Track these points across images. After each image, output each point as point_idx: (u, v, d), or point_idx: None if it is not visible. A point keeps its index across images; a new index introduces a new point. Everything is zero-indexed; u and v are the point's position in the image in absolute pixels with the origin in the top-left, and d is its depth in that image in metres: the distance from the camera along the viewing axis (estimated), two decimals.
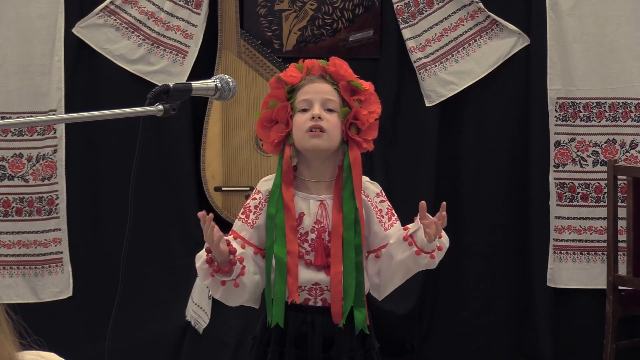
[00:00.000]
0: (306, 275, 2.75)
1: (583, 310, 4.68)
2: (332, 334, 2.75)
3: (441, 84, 4.67)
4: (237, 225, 2.80)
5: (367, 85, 2.82)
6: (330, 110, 2.77)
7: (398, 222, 2.81)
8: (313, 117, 2.74)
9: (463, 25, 4.66)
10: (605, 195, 4.51)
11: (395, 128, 4.73)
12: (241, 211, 2.80)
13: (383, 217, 2.79)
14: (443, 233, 2.75)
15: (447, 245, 2.77)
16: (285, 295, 2.74)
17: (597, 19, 4.59)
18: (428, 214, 2.70)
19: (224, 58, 4.66)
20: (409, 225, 2.74)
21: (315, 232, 2.75)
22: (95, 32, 4.64)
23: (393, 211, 2.83)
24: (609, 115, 4.63)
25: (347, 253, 2.73)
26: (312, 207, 2.76)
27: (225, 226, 4.62)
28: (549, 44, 4.61)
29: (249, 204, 2.80)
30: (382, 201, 2.82)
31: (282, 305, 2.74)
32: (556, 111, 4.64)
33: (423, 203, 2.69)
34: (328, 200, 2.76)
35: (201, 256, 2.70)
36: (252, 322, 3.97)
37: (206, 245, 2.67)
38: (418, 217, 2.71)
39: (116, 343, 4.15)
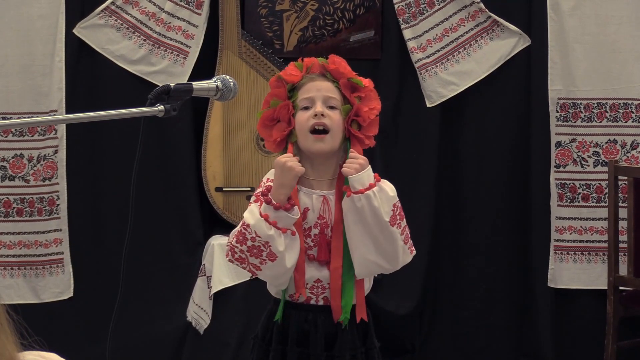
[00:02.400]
0: (309, 271, 2.75)
1: (584, 310, 4.68)
2: (334, 332, 2.76)
3: (442, 84, 4.67)
4: (252, 210, 2.73)
5: (367, 82, 2.83)
6: (332, 108, 2.78)
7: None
8: (316, 115, 2.75)
9: (464, 25, 4.66)
10: (606, 195, 4.51)
11: (396, 128, 4.73)
12: (253, 199, 2.77)
13: None
14: (387, 182, 2.74)
15: (391, 194, 2.71)
16: (288, 292, 2.76)
17: (598, 19, 4.59)
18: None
19: (224, 58, 4.66)
20: None
21: (318, 228, 2.76)
22: (96, 33, 4.64)
23: None
24: (610, 115, 4.63)
25: (348, 248, 2.74)
26: (316, 202, 2.77)
27: (226, 226, 4.64)
28: (549, 45, 4.61)
29: (263, 191, 2.78)
30: None
31: (285, 301, 2.76)
32: (557, 111, 4.64)
33: (351, 149, 2.74)
34: (330, 195, 2.78)
35: (251, 215, 2.67)
36: (253, 321, 3.98)
37: (260, 192, 2.68)
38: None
39: (117, 343, 4.16)
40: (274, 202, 2.65)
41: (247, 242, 2.67)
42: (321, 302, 2.77)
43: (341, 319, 2.75)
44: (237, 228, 2.71)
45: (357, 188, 2.68)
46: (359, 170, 2.69)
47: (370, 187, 2.69)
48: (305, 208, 2.77)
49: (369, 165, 2.73)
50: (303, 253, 2.74)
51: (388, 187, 2.74)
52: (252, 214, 2.68)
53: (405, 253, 2.77)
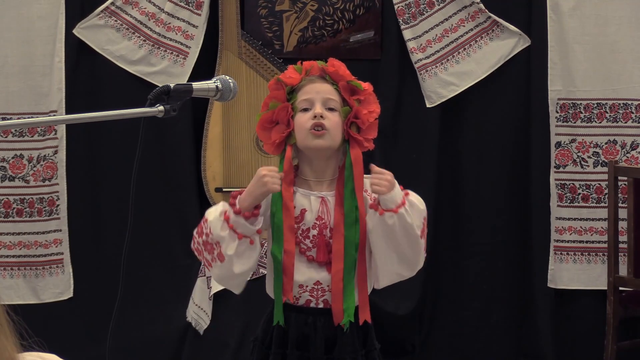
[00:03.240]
0: (308, 273, 2.75)
1: (584, 311, 4.68)
2: (334, 335, 2.75)
3: (442, 84, 4.67)
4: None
5: (366, 85, 2.82)
6: (331, 110, 2.77)
7: None
8: (315, 116, 2.74)
9: (464, 26, 4.66)
10: (606, 196, 4.51)
11: (395, 128, 4.73)
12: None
13: None
14: (414, 195, 2.74)
15: (421, 207, 2.73)
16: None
17: (597, 19, 4.59)
18: (375, 169, 2.69)
19: (224, 59, 4.66)
20: None
21: (317, 229, 2.75)
22: (96, 33, 4.65)
23: None
24: (610, 116, 4.63)
25: (349, 251, 2.73)
26: (314, 203, 2.76)
27: None
28: (549, 45, 4.61)
29: (234, 193, 2.77)
30: None
31: (281, 304, 2.75)
32: (557, 112, 4.64)
33: (372, 165, 2.70)
34: (329, 196, 2.77)
35: (214, 211, 2.70)
36: (253, 322, 3.98)
37: (231, 194, 2.69)
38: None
39: (117, 344, 4.16)
40: (237, 206, 2.66)
41: (202, 236, 2.71)
42: (321, 305, 2.76)
43: (343, 322, 2.74)
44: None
45: (390, 207, 2.67)
46: (390, 189, 2.67)
47: (402, 204, 2.68)
48: (303, 209, 2.76)
49: (395, 180, 2.71)
50: (293, 257, 2.73)
51: (417, 201, 2.74)
52: (215, 210, 2.71)
53: (423, 258, 2.80)
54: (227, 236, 2.66)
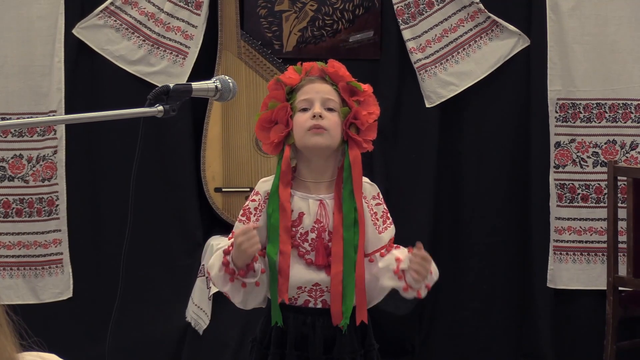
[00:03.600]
0: (306, 275, 2.75)
1: (583, 311, 4.68)
2: (333, 335, 2.75)
3: (441, 84, 4.67)
4: (237, 227, 2.79)
5: (366, 87, 2.82)
6: (330, 110, 2.77)
7: (392, 227, 2.82)
8: (314, 116, 2.74)
9: (463, 26, 4.66)
10: (606, 196, 4.51)
11: (395, 129, 4.73)
12: (240, 213, 2.79)
13: (378, 220, 2.79)
14: (435, 271, 2.77)
15: (436, 279, 2.78)
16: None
17: (597, 19, 4.59)
18: (421, 253, 2.69)
19: (224, 59, 4.66)
20: (401, 257, 2.74)
21: (316, 232, 2.75)
22: (96, 33, 4.64)
23: (388, 214, 2.83)
24: (609, 116, 4.63)
25: (347, 253, 2.73)
26: (312, 206, 2.76)
27: (226, 227, 4.64)
28: (549, 45, 4.61)
29: (248, 205, 2.79)
30: (378, 204, 2.81)
31: (277, 305, 2.75)
32: (556, 112, 4.64)
33: (419, 244, 2.70)
34: (328, 200, 2.76)
35: (213, 265, 2.72)
36: (253, 323, 3.98)
37: (223, 249, 2.70)
38: (412, 251, 2.72)
39: (116, 344, 4.16)
40: (230, 266, 2.67)
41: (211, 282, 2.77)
42: (319, 305, 2.76)
43: (341, 325, 2.74)
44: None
45: (415, 287, 2.73)
46: (425, 278, 2.71)
47: (427, 287, 2.74)
48: (301, 212, 2.76)
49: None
50: (288, 258, 2.73)
51: (436, 276, 2.78)
52: (217, 261, 2.72)
53: None
54: (230, 289, 2.71)
